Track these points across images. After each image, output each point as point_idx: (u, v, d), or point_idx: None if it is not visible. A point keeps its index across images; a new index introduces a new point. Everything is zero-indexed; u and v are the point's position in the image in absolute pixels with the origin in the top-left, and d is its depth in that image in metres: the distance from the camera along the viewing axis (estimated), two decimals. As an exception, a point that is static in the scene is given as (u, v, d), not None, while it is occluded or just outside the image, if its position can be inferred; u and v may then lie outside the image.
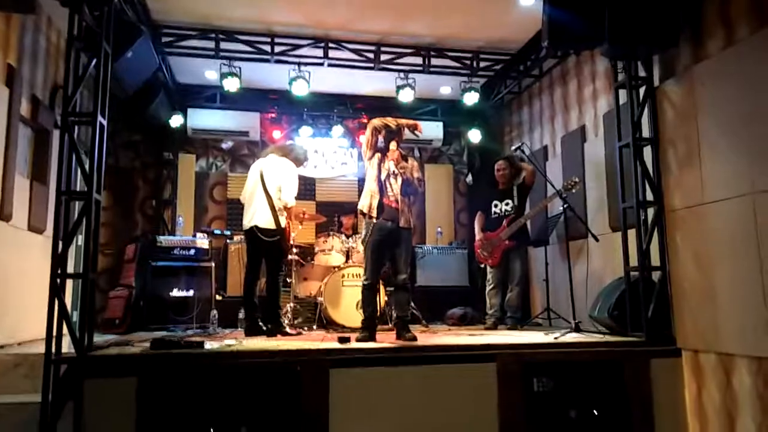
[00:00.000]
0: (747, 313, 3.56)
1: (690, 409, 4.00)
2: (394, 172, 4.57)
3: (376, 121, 4.69)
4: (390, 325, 5.87)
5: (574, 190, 5.33)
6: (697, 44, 4.09)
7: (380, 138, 4.67)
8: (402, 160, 4.63)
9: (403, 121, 4.77)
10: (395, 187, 4.56)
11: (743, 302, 3.60)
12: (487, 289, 5.93)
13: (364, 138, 4.77)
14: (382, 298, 5.49)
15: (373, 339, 4.40)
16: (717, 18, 3.91)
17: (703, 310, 3.92)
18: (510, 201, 5.84)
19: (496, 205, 5.94)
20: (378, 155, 4.66)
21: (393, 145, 4.61)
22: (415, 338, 4.37)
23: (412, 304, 6.21)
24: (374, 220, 4.52)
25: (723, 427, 3.72)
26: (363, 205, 4.61)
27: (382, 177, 4.59)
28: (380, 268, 4.70)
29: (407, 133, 4.80)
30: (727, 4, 3.83)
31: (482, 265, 6.09)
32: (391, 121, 4.68)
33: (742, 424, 3.57)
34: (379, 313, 5.12)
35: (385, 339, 4.57)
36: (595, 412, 3.94)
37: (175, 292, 6.09)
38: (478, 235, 5.98)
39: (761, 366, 3.46)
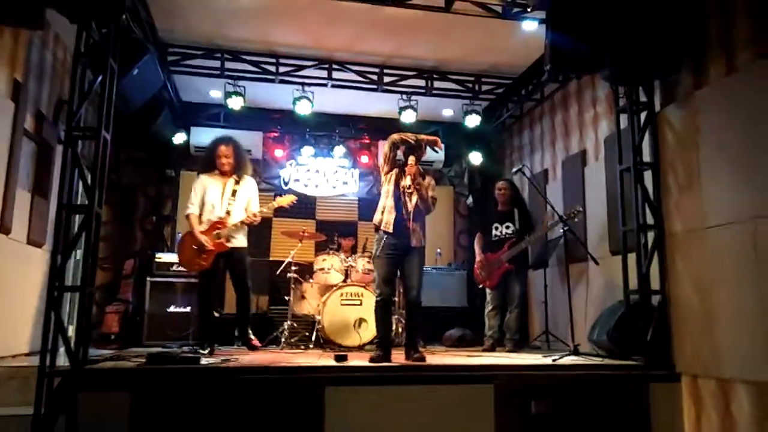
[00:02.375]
0: (747, 337, 3.54)
1: (689, 434, 3.96)
2: (410, 188, 4.40)
3: (395, 136, 4.53)
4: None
5: (576, 219, 5.32)
6: (699, 70, 4.12)
7: (399, 153, 4.49)
8: (419, 176, 4.49)
9: (423, 137, 4.62)
10: (409, 204, 4.40)
11: (743, 327, 3.58)
12: (486, 310, 5.87)
13: (382, 152, 4.63)
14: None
15: (388, 360, 4.26)
16: (719, 45, 3.95)
17: (703, 335, 3.89)
18: (511, 224, 5.81)
19: (496, 228, 5.91)
20: (395, 171, 4.51)
21: (411, 159, 4.43)
22: (423, 359, 4.26)
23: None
24: (386, 237, 4.39)
25: (722, 454, 3.67)
26: (377, 219, 4.49)
27: (399, 193, 4.43)
28: (392, 283, 4.55)
29: (401, 155, 4.54)
30: (728, 31, 3.87)
31: (481, 287, 6.06)
32: (410, 136, 4.52)
33: (742, 450, 3.53)
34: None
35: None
36: (593, 436, 3.90)
37: (172, 309, 6.06)
38: (478, 256, 5.95)
39: (761, 391, 3.43)
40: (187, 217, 4.96)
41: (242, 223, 5.00)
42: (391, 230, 4.38)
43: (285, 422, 3.53)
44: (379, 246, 4.41)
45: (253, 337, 5.22)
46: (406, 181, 4.41)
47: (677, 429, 3.96)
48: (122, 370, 3.59)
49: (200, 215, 4.97)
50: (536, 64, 6.12)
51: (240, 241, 5.06)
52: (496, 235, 5.88)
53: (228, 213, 4.97)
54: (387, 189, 4.52)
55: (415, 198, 4.42)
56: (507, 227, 5.83)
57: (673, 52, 4.14)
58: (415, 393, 3.74)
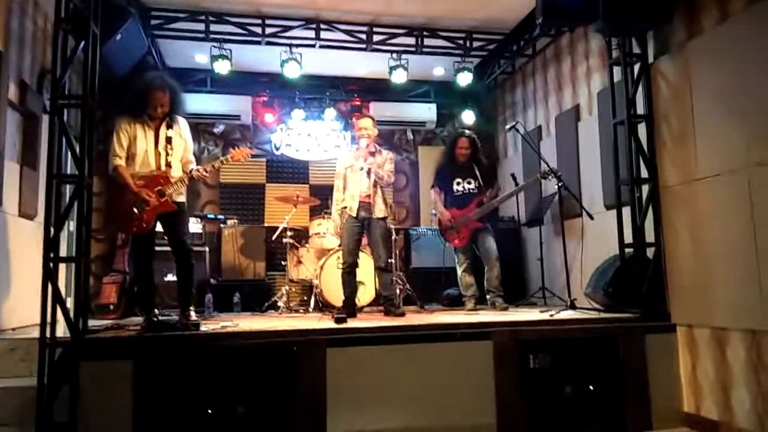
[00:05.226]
0: (741, 287, 3.58)
1: (685, 383, 4.04)
2: (362, 168, 4.97)
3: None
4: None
5: (549, 179, 5.17)
6: (691, 20, 4.07)
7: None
8: (370, 155, 5.03)
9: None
10: (367, 181, 4.96)
11: (737, 276, 3.62)
12: (459, 270, 5.57)
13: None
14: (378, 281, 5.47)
15: (353, 316, 4.82)
16: (710, -8, 3.89)
17: (698, 286, 3.94)
18: (472, 179, 5.57)
19: (458, 183, 5.62)
20: (348, 154, 5.22)
21: (364, 142, 5.03)
22: (403, 314, 4.77)
23: (408, 285, 6.23)
24: (347, 212, 4.99)
25: (718, 400, 3.76)
26: (340, 204, 5.11)
27: (357, 174, 5.02)
28: (355, 252, 5.05)
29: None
30: (720, -22, 3.81)
31: (447, 244, 5.75)
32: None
33: (737, 396, 3.61)
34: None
35: (376, 318, 4.74)
36: (590, 387, 3.97)
37: (169, 277, 6.05)
38: (444, 214, 5.57)
39: (755, 339, 3.49)
40: (115, 169, 4.08)
41: (190, 180, 4.30)
42: (354, 213, 4.95)
43: (287, 385, 3.58)
44: (343, 220, 5.05)
45: (192, 311, 4.33)
46: (360, 163, 5.00)
47: (673, 378, 4.05)
48: (123, 338, 3.61)
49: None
50: (528, 19, 6.01)
51: (182, 196, 4.33)
52: (458, 190, 5.61)
53: (169, 165, 4.20)
54: (344, 172, 5.13)
55: (372, 176, 4.96)
56: (469, 182, 5.58)
57: (665, 2, 4.07)
58: (415, 351, 3.79)
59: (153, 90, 4.17)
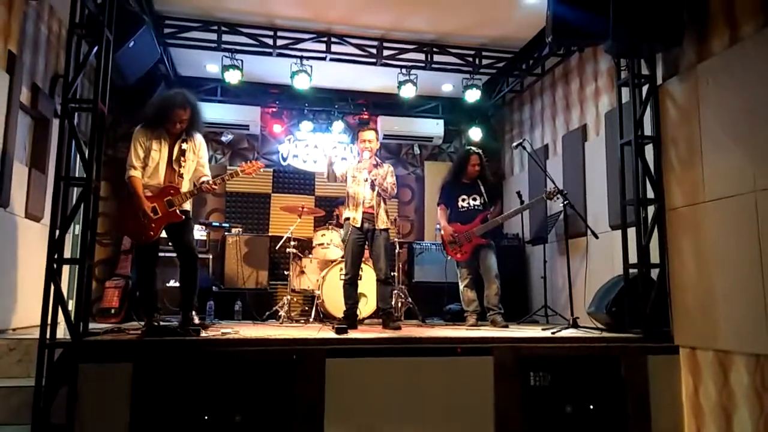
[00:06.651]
0: (746, 310, 3.55)
1: (686, 405, 3.99)
2: (366, 180, 5.07)
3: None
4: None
5: (555, 199, 5.17)
6: (701, 42, 4.08)
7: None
8: (375, 167, 5.12)
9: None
10: (371, 193, 5.07)
11: (742, 300, 3.59)
12: (461, 285, 5.54)
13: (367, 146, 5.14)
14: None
15: (354, 327, 4.81)
16: (721, 16, 3.90)
17: (702, 308, 3.91)
18: (478, 196, 5.57)
19: (463, 200, 5.61)
20: (352, 167, 5.24)
21: (367, 154, 5.12)
22: (399, 327, 4.80)
23: (410, 298, 6.22)
24: (351, 224, 5.00)
25: (719, 424, 3.71)
26: (346, 214, 5.14)
27: (359, 186, 5.10)
28: (358, 264, 5.11)
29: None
30: (731, 1, 3.82)
31: (448, 258, 5.78)
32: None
33: (739, 420, 3.56)
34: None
35: (376, 330, 4.73)
36: (591, 407, 3.93)
37: (172, 283, 6.05)
38: (447, 229, 5.54)
39: (759, 363, 3.45)
40: (129, 179, 4.14)
41: (199, 191, 4.38)
42: (358, 225, 4.99)
43: (286, 394, 3.56)
44: (347, 232, 5.04)
45: (195, 316, 4.47)
46: (364, 174, 5.08)
47: (675, 400, 4.01)
48: (122, 342, 3.61)
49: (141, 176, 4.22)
50: (537, 38, 6.06)
51: (188, 205, 4.41)
52: (463, 206, 5.59)
53: (180, 176, 4.29)
54: (348, 183, 5.17)
55: (375, 188, 5.05)
56: (474, 199, 5.57)
57: (676, 24, 4.08)
58: (415, 365, 3.77)
59: (175, 107, 4.23)
